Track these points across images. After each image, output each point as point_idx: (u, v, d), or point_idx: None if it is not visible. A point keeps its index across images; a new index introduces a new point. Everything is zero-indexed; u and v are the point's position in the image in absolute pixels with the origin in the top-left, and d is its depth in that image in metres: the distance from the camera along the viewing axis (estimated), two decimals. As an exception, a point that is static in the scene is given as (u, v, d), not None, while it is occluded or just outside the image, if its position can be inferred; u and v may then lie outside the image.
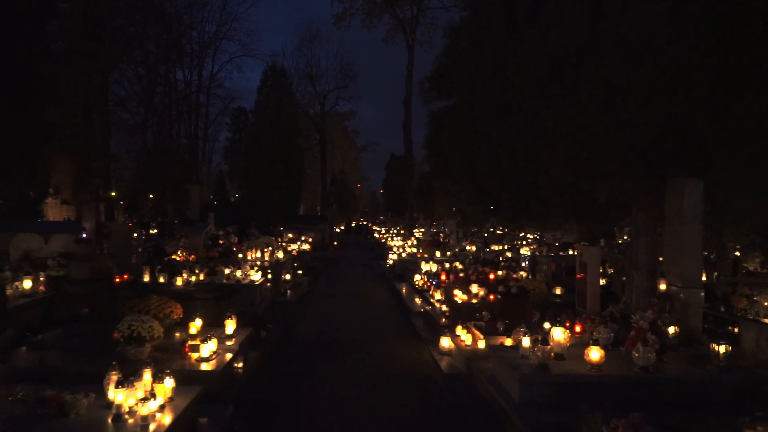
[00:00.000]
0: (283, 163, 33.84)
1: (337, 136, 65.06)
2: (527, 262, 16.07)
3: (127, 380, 4.56)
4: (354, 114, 65.86)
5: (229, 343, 7.10)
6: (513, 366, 5.82)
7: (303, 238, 27.28)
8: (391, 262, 20.34)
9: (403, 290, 15.61)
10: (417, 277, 15.47)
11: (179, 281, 9.24)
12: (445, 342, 8.65)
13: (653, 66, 6.29)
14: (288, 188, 34.03)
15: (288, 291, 14.52)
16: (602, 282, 10.70)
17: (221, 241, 19.15)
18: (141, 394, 4.55)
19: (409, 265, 18.22)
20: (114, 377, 4.58)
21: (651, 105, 6.41)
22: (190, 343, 6.53)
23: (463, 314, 10.41)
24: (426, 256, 20.15)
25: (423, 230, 40.15)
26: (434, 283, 14.10)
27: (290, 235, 27.10)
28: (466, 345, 8.44)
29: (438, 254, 19.91)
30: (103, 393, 4.72)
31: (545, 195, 8.28)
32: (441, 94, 9.14)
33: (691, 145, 6.76)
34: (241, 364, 7.08)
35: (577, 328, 8.47)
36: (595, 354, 5.56)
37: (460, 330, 8.98)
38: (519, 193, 8.35)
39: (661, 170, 7.09)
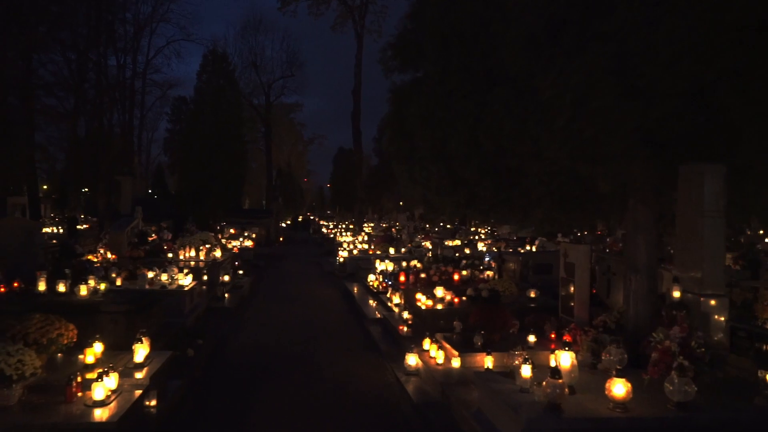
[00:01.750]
0: (224, 153, 31.62)
1: (283, 129, 62.75)
2: (489, 259, 14.88)
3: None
4: (300, 106, 63.81)
5: (138, 375, 5.46)
6: (511, 404, 4.45)
7: (246, 234, 25.39)
8: (341, 259, 18.84)
9: (355, 290, 14.16)
10: (371, 277, 14.04)
11: (83, 290, 7.46)
12: (412, 360, 7.24)
13: (677, 23, 5.04)
14: (230, 180, 31.86)
15: (226, 295, 12.79)
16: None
17: (153, 237, 17.23)
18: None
19: (362, 263, 16.78)
20: None
21: (672, 71, 5.16)
22: (82, 378, 4.86)
23: (427, 322, 9.04)
24: (379, 252, 18.77)
25: (372, 224, 38.88)
26: (391, 283, 12.72)
27: (232, 231, 25.21)
28: (437, 364, 7.05)
29: (392, 251, 18.54)
30: None
31: (530, 184, 6.96)
32: (406, 65, 7.68)
33: (714, 124, 5.56)
34: (154, 402, 5.45)
35: (565, 340, 7.23)
36: (620, 389, 4.25)
37: (428, 344, 7.59)
38: (500, 182, 7.00)
39: (675, 153, 5.88)
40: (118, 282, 9.29)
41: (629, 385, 4.28)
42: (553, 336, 7.50)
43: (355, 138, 37.79)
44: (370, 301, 12.70)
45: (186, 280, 9.81)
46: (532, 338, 7.10)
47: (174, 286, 9.59)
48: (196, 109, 32.83)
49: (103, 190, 33.89)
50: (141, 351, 5.62)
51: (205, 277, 12.83)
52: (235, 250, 18.98)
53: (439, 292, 9.70)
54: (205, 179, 29.33)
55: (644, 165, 6.13)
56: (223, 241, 19.62)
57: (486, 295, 9.45)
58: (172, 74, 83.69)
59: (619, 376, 4.32)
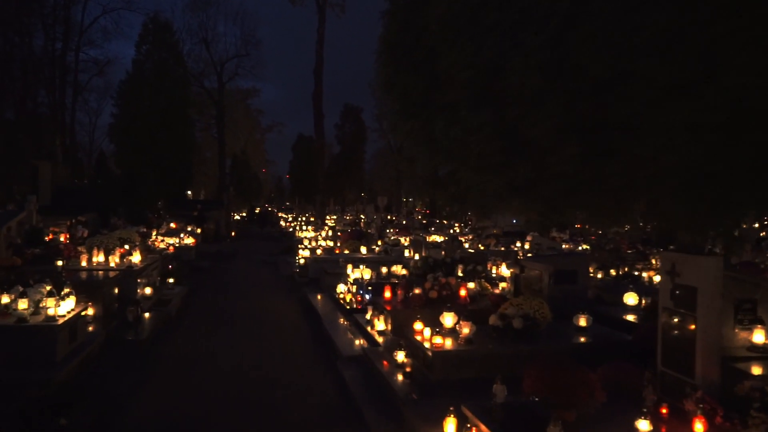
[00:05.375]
0: (167, 136, 27.77)
1: (239, 115, 58.56)
2: (492, 262, 11.83)
3: None
4: (258, 91, 59.59)
5: None
6: None
7: (189, 229, 21.74)
8: (302, 261, 15.52)
9: (320, 304, 10.93)
10: (341, 287, 10.81)
11: None
12: (431, 462, 4.06)
13: None
14: (174, 167, 28.03)
15: (146, 315, 9.38)
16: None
17: (64, 236, 13.73)
18: None
19: (327, 265, 13.48)
20: None
21: None
22: None
23: (436, 371, 5.91)
24: (347, 252, 15.53)
25: (335, 217, 35.67)
26: (369, 298, 9.57)
27: (173, 225, 21.53)
28: (480, 475, 3.92)
29: (363, 250, 15.33)
30: None
31: (646, 150, 3.86)
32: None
33: None
34: None
35: (698, 426, 4.18)
36: None
37: (452, 426, 4.46)
38: (594, 146, 3.87)
39: None
40: (-55, 313, 5.82)
41: None
42: (664, 412, 4.45)
43: (317, 121, 34.42)
44: (341, 321, 9.52)
45: (63, 307, 6.37)
46: (643, 425, 4.01)
47: (41, 318, 6.15)
48: (133, 85, 28.81)
49: (27, 178, 29.63)
50: None
51: (117, 291, 9.43)
52: (171, 249, 15.41)
53: (448, 320, 6.56)
54: (145, 166, 25.47)
55: None
56: (156, 237, 16.06)
57: (519, 326, 6.36)
58: (111, 50, 77.59)
59: None
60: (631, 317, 7.55)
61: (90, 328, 7.93)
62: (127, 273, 9.65)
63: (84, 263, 9.87)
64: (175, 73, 30.30)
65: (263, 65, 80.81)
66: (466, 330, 6.23)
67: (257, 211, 52.23)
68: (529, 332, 6.38)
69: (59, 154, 22.91)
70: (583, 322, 6.74)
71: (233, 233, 29.83)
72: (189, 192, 46.44)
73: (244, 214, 50.30)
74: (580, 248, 17.85)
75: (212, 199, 45.71)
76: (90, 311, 8.04)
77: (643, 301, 7.61)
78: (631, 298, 7.85)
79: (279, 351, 8.08)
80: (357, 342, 8.23)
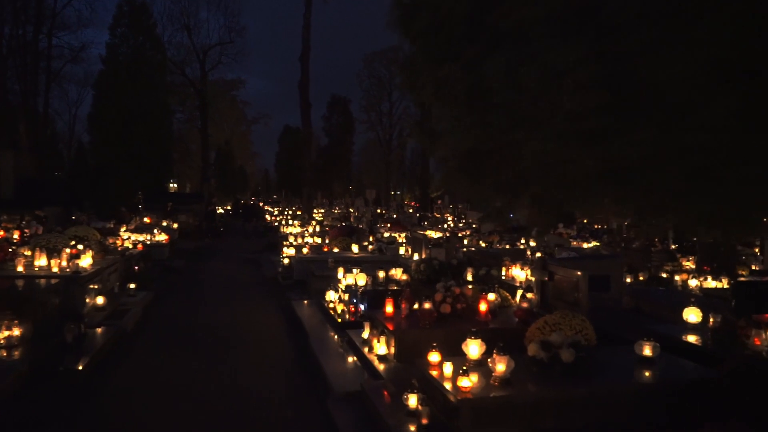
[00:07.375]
0: (144, 125, 26.02)
1: (224, 107, 56.54)
2: (505, 263, 10.28)
3: None
4: (243, 83, 57.61)
5: None
6: None
7: (165, 224, 20.02)
8: (286, 260, 13.91)
9: (307, 315, 9.33)
10: (331, 295, 9.21)
11: None
12: None
13: None
14: (151, 158, 26.27)
15: (98, 330, 7.76)
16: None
17: (13, 234, 12.18)
18: None
19: (315, 266, 11.86)
20: None
21: None
22: None
23: (462, 426, 4.32)
24: (337, 250, 13.95)
25: (323, 211, 34.14)
26: (365, 309, 8.04)
27: (147, 220, 19.81)
28: None
29: (355, 248, 13.73)
30: None
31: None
32: None
33: None
34: None
35: None
36: None
37: None
38: (755, 99, 2.27)
39: None
40: None
41: None
42: None
43: (303, 111, 32.57)
44: (332, 337, 7.95)
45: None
46: None
47: None
48: (107, 70, 26.97)
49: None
50: None
51: (58, 302, 7.78)
52: (140, 247, 13.72)
53: (473, 349, 4.99)
54: (115, 155, 23.69)
55: None
56: (123, 234, 14.37)
57: (569, 360, 4.80)
58: (87, 36, 74.77)
59: None
60: (692, 338, 6.05)
61: (16, 354, 6.33)
62: (71, 279, 7.99)
63: (20, 268, 8.20)
64: (153, 59, 28.53)
65: (248, 53, 78.67)
66: (501, 367, 4.62)
67: (242, 204, 50.39)
68: (580, 366, 4.84)
69: (23, 141, 21.00)
70: (648, 350, 5.16)
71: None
72: (175, 185, 44.61)
73: (229, 208, 48.49)
74: (585, 245, 16.42)
75: (192, 192, 43.88)
76: (15, 332, 6.42)
77: (711, 320, 6.07)
78: (692, 315, 6.29)
79: (255, 382, 6.47)
80: (351, 360, 6.77)
